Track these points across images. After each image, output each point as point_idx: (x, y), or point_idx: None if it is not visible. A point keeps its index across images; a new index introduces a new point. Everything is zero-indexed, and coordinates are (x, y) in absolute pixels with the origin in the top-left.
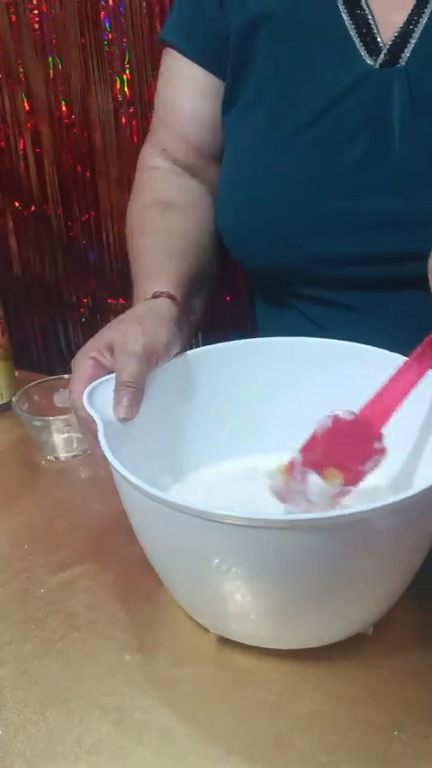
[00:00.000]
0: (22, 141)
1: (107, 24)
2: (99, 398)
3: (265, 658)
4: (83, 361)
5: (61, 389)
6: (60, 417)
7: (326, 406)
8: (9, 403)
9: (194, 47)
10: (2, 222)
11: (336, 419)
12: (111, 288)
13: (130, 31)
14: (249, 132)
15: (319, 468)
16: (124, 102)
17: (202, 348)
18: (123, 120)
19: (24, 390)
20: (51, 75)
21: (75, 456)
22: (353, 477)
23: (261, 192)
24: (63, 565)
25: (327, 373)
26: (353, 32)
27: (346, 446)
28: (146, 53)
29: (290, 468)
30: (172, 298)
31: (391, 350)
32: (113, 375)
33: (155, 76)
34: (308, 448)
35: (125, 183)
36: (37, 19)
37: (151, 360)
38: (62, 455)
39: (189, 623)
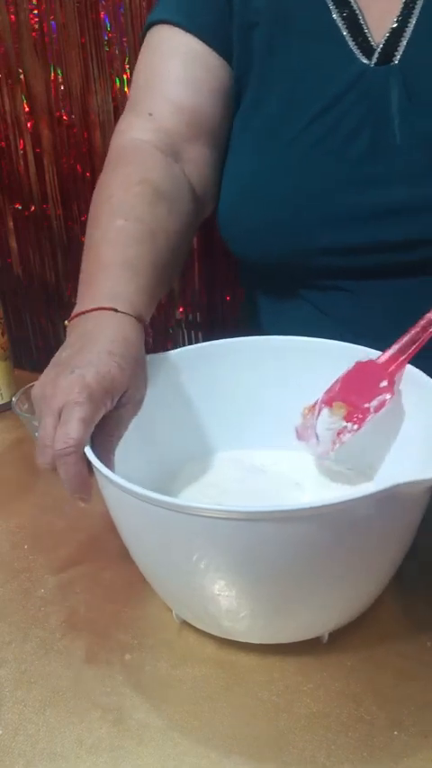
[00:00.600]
0: (22, 141)
1: (107, 24)
2: None
3: (266, 658)
4: (91, 399)
5: None
6: None
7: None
8: (9, 403)
9: (194, 21)
10: (2, 222)
11: (357, 363)
12: None
13: (130, 31)
14: (252, 136)
15: (330, 404)
16: (124, 102)
17: (196, 345)
18: None
19: (24, 390)
20: (51, 75)
21: None
22: (358, 414)
23: (271, 195)
24: (63, 565)
25: (312, 371)
26: (345, 33)
27: (356, 384)
28: None
29: (312, 406)
30: (141, 321)
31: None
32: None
33: None
34: (330, 389)
35: None
36: (37, 19)
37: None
38: None
39: (189, 623)
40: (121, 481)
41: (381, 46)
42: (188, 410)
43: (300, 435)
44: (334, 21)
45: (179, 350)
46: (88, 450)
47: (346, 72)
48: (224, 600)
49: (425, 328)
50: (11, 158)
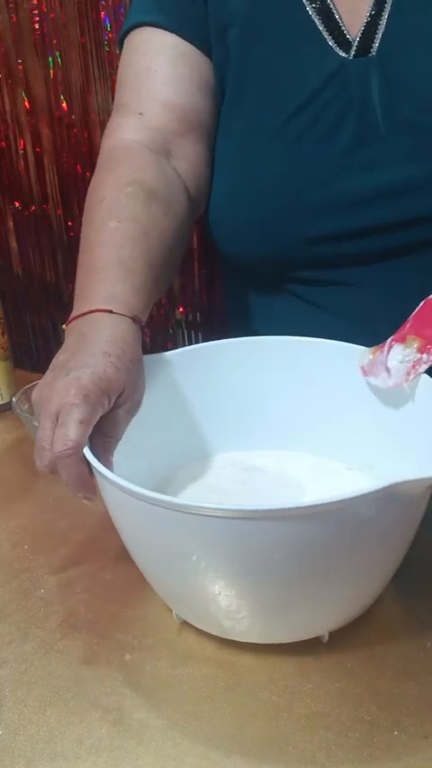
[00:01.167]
0: (22, 141)
1: (107, 24)
2: None
3: (266, 658)
4: (89, 397)
5: None
6: None
7: (314, 405)
8: (9, 403)
9: (174, 20)
10: (2, 222)
11: (427, 299)
12: None
13: None
14: (233, 136)
15: (402, 340)
16: None
17: (194, 346)
18: None
19: (24, 390)
20: (51, 75)
21: None
22: (430, 345)
23: (255, 191)
24: (63, 565)
25: (312, 371)
26: (321, 28)
27: (428, 319)
28: None
29: (380, 346)
30: (138, 321)
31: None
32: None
33: None
34: (400, 329)
35: None
36: (37, 19)
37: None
38: None
39: (189, 623)
40: (121, 481)
41: (358, 39)
42: (187, 411)
43: (367, 372)
44: (309, 18)
45: (177, 350)
46: (87, 452)
47: (324, 66)
48: (224, 600)
49: None
50: (11, 158)
